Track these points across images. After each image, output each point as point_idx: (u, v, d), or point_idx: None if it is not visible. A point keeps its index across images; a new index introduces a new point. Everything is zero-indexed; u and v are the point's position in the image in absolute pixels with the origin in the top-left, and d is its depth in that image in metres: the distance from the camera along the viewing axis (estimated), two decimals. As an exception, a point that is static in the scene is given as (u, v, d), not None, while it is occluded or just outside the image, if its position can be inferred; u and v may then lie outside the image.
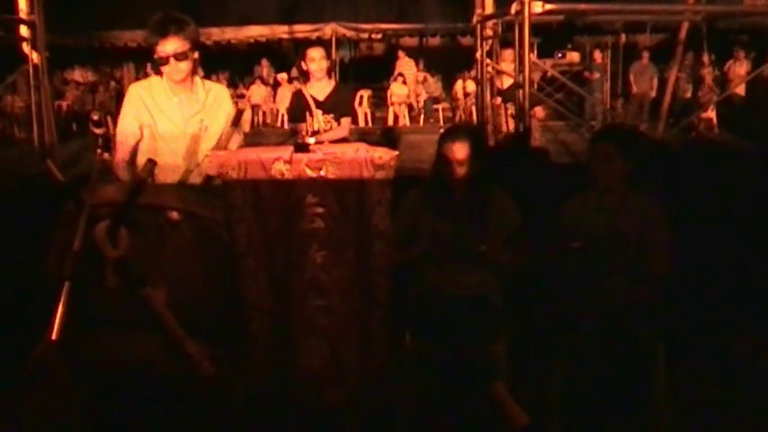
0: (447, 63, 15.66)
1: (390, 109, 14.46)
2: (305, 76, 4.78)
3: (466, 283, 2.89)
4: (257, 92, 14.79)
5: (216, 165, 2.51)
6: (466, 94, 13.92)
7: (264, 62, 15.80)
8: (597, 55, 13.20)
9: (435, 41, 17.09)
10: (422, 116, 14.65)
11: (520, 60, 7.05)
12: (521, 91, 6.90)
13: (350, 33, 13.51)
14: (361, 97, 13.79)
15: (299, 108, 4.68)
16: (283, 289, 2.57)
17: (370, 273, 2.58)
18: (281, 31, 13.41)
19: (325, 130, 4.55)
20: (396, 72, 14.73)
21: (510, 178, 3.41)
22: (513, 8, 6.68)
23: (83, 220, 2.02)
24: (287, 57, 16.24)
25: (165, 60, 2.90)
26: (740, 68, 13.12)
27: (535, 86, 10.86)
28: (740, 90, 12.48)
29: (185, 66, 2.94)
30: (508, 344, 2.82)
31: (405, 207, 3.01)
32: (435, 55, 16.79)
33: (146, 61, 12.61)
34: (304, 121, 4.59)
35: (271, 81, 15.16)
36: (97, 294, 2.09)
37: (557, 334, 2.90)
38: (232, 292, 2.51)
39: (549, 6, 6.41)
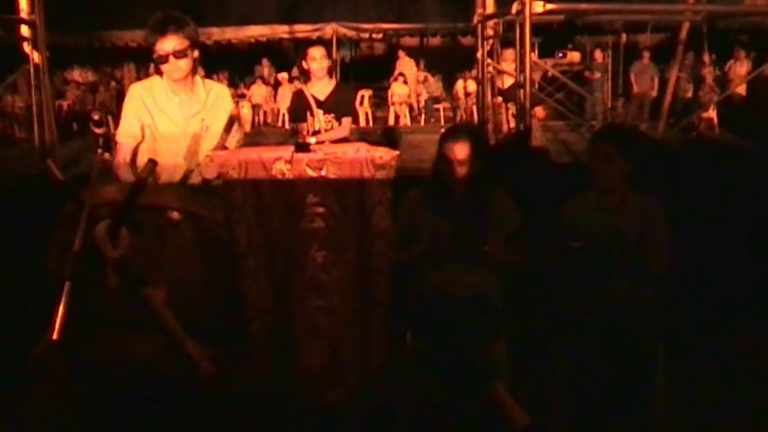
0: (448, 63, 15.66)
1: (391, 109, 14.46)
2: (306, 76, 4.79)
3: (466, 283, 2.89)
4: (258, 91, 14.80)
5: (216, 165, 2.51)
6: (467, 94, 13.93)
7: (265, 62, 15.81)
8: (598, 55, 13.19)
9: (436, 41, 17.08)
10: (422, 116, 14.65)
11: (520, 60, 7.06)
12: (521, 91, 6.90)
13: (350, 33, 13.50)
14: (362, 97, 13.79)
15: (299, 108, 4.68)
16: (283, 289, 2.57)
17: (370, 273, 2.58)
18: (281, 30, 13.41)
19: (325, 130, 4.55)
20: (396, 72, 14.73)
21: (510, 178, 3.41)
22: (514, 8, 6.68)
23: (83, 220, 2.01)
24: (287, 56, 16.25)
25: (165, 59, 2.90)
26: (741, 68, 13.11)
27: (536, 86, 10.86)
28: (741, 90, 12.48)
29: (185, 64, 2.94)
30: (508, 344, 2.82)
31: (405, 207, 3.01)
32: (436, 55, 16.79)
33: (146, 61, 12.60)
34: (305, 120, 4.60)
35: (271, 81, 15.17)
36: (97, 294, 2.08)
37: (557, 334, 2.90)
38: (232, 292, 2.51)
39: (549, 6, 6.42)
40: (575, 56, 14.44)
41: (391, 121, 14.28)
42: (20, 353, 1.98)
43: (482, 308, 2.81)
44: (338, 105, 4.63)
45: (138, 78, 10.95)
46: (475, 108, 11.64)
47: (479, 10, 8.81)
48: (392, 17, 13.36)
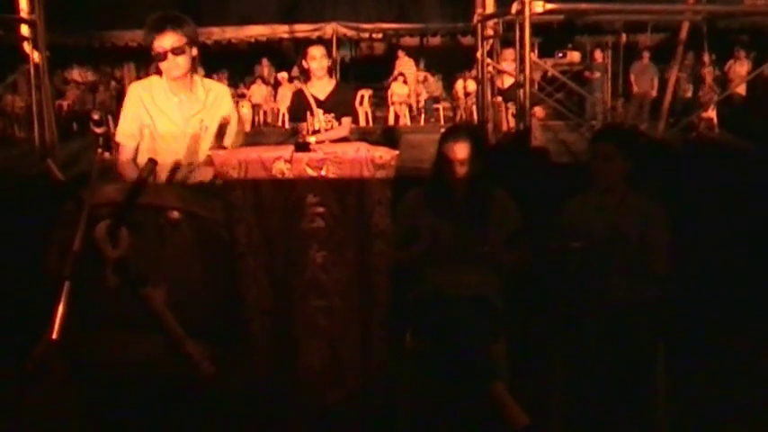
0: (447, 63, 15.66)
1: (391, 109, 14.46)
2: (306, 75, 4.79)
3: (466, 283, 2.89)
4: (258, 91, 14.79)
5: (216, 164, 2.51)
6: (466, 94, 13.92)
7: (265, 62, 15.80)
8: (598, 54, 13.20)
9: (436, 41, 17.08)
10: (422, 116, 14.65)
11: (520, 60, 7.06)
12: (521, 90, 6.91)
13: (350, 33, 13.50)
14: (362, 97, 13.79)
15: (299, 107, 4.68)
16: (283, 289, 2.57)
17: (370, 273, 2.58)
18: (281, 30, 13.41)
19: (325, 130, 4.55)
20: (396, 72, 14.73)
21: (510, 178, 3.41)
22: (514, 8, 6.69)
23: (83, 220, 2.01)
24: (287, 56, 16.26)
25: (163, 56, 2.90)
26: (741, 68, 13.12)
27: (536, 86, 10.87)
28: (741, 90, 12.49)
29: (183, 61, 2.94)
30: (508, 344, 2.82)
31: (405, 207, 3.01)
32: (436, 54, 16.80)
33: (146, 61, 12.59)
34: (305, 120, 4.60)
35: (271, 80, 15.17)
36: (97, 294, 2.08)
37: (557, 334, 2.90)
38: (232, 292, 2.50)
39: (549, 6, 6.43)
40: (575, 56, 14.44)
41: (391, 121, 14.28)
42: (20, 353, 1.98)
43: (482, 308, 2.81)
44: (338, 105, 4.63)
45: (138, 78, 10.96)
46: (475, 108, 11.63)
47: (479, 10, 8.81)
48: (392, 17, 13.36)
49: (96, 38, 13.33)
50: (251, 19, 13.27)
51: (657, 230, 2.90)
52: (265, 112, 14.89)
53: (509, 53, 8.78)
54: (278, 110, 14.34)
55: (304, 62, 4.77)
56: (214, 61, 13.40)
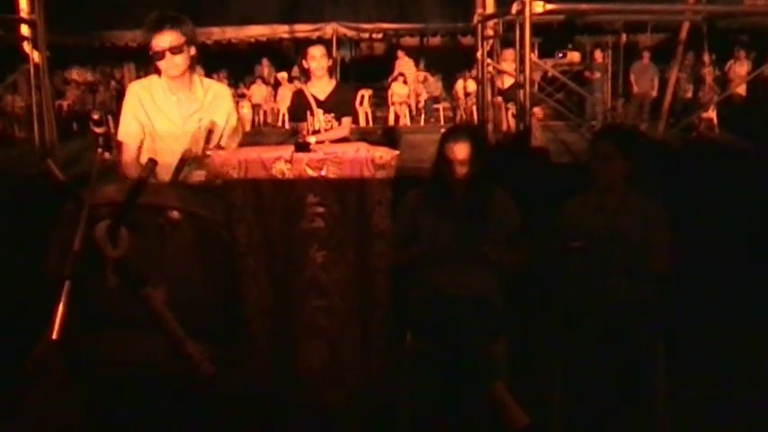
0: (447, 63, 15.65)
1: (391, 109, 14.46)
2: (306, 75, 4.78)
3: (466, 283, 2.89)
4: (258, 91, 14.79)
5: (216, 164, 2.51)
6: (466, 94, 13.92)
7: (265, 62, 15.80)
8: (598, 55, 13.19)
9: (436, 41, 17.08)
10: (422, 116, 14.65)
11: (521, 60, 7.06)
12: (521, 91, 6.91)
13: (350, 33, 13.49)
14: (362, 97, 13.79)
15: (299, 107, 4.67)
16: (283, 289, 2.57)
17: (370, 273, 2.58)
18: (281, 30, 13.41)
19: (325, 130, 4.55)
20: (396, 72, 14.73)
21: (510, 178, 3.41)
22: (514, 8, 6.69)
23: (83, 220, 2.01)
24: (287, 56, 16.25)
25: (161, 55, 2.91)
26: (741, 68, 13.12)
27: (536, 86, 10.87)
28: (741, 90, 12.49)
29: (181, 60, 2.94)
30: (508, 344, 2.82)
31: (405, 207, 3.01)
32: (436, 55, 16.79)
33: (146, 61, 12.59)
34: (305, 120, 4.59)
35: (271, 80, 15.17)
36: (97, 294, 2.08)
37: (557, 334, 2.90)
38: (232, 292, 2.51)
39: (549, 6, 6.43)
40: (575, 56, 14.44)
41: (391, 121, 14.27)
42: (20, 353, 1.98)
43: (482, 308, 2.81)
44: (338, 105, 4.63)
45: (138, 78, 10.96)
46: (475, 108, 11.63)
47: (479, 10, 8.81)
48: (392, 17, 13.35)
49: (96, 38, 13.32)
50: (251, 19, 13.26)
51: (657, 230, 2.90)
52: (265, 112, 14.89)
53: (509, 53, 8.79)
54: (278, 110, 14.34)
55: (304, 62, 4.77)
56: (214, 61, 13.40)
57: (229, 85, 13.37)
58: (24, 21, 7.20)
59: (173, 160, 3.00)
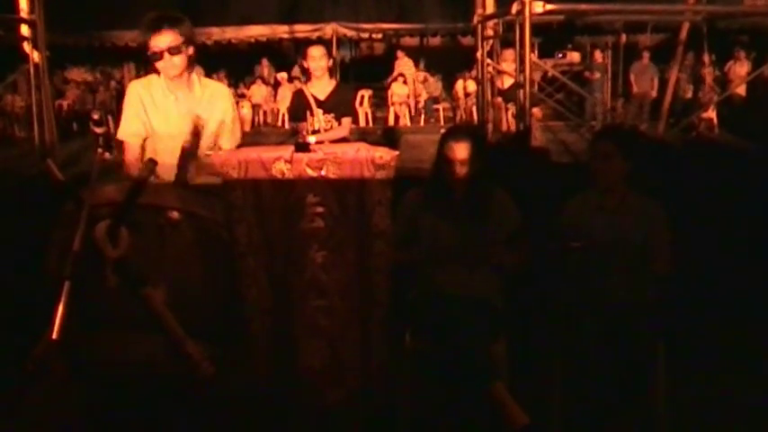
0: (447, 63, 15.66)
1: (391, 109, 14.46)
2: (306, 75, 4.78)
3: (466, 284, 2.89)
4: (258, 91, 14.80)
5: (216, 164, 2.51)
6: (466, 94, 13.92)
7: (265, 62, 15.81)
8: (598, 55, 13.19)
9: (436, 41, 17.10)
10: (422, 116, 14.65)
11: (520, 60, 7.07)
12: (521, 91, 6.91)
13: (350, 33, 13.51)
14: (362, 97, 13.79)
15: (299, 107, 4.68)
16: (283, 289, 2.57)
17: (370, 273, 2.58)
18: (281, 30, 13.43)
19: (325, 130, 4.55)
20: (396, 72, 14.73)
21: (510, 178, 3.41)
22: (514, 8, 6.70)
23: (83, 220, 2.01)
24: (287, 56, 16.26)
25: (159, 55, 2.90)
26: (741, 69, 13.12)
27: (536, 86, 10.87)
28: (741, 90, 12.49)
29: (179, 60, 2.94)
30: (508, 344, 2.82)
31: (405, 207, 3.01)
32: (436, 55, 16.79)
33: (146, 61, 12.62)
34: (305, 120, 4.59)
35: (271, 81, 15.17)
36: (97, 294, 2.08)
37: (557, 334, 2.90)
38: (232, 292, 2.51)
39: (549, 6, 6.43)
40: (575, 56, 14.45)
41: (391, 121, 14.27)
42: (20, 353, 1.98)
43: (482, 308, 2.81)
44: (338, 105, 4.63)
45: (138, 78, 10.96)
46: (475, 108, 11.64)
47: (479, 10, 8.82)
48: (392, 17, 13.37)
49: (96, 38, 13.34)
50: (251, 19, 13.28)
51: (658, 230, 2.90)
52: (265, 113, 14.89)
53: (509, 53, 8.80)
54: (278, 110, 14.34)
55: (304, 62, 4.77)
56: (214, 61, 13.41)
57: (229, 85, 13.36)
58: (24, 21, 7.21)
59: (172, 160, 3.01)
